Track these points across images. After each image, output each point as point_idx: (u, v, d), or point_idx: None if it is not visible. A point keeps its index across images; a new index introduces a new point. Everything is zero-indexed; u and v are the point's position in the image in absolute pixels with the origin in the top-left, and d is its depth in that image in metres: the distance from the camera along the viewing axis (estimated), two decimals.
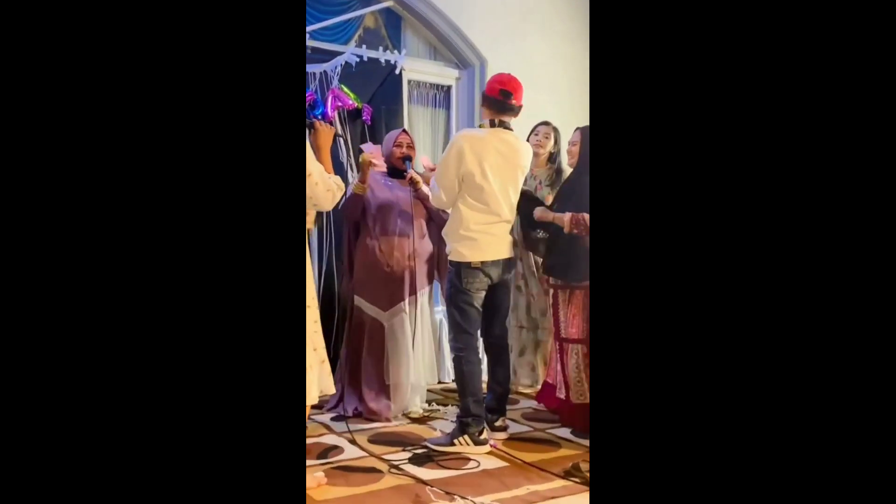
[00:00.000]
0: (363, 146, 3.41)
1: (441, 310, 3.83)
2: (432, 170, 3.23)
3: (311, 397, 2.38)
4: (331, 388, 2.52)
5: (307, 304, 2.38)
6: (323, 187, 2.39)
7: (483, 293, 2.96)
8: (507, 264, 3.02)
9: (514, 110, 2.91)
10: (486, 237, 2.91)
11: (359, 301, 3.42)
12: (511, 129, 2.93)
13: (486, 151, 2.85)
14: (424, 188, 3.32)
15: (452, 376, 3.75)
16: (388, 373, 3.40)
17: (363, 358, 3.42)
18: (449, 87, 4.77)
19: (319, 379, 2.46)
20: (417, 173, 3.38)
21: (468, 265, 2.91)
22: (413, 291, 3.42)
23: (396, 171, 3.41)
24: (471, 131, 2.94)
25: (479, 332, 3.04)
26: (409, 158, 3.39)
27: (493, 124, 2.90)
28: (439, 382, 3.95)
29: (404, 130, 3.51)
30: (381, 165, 3.33)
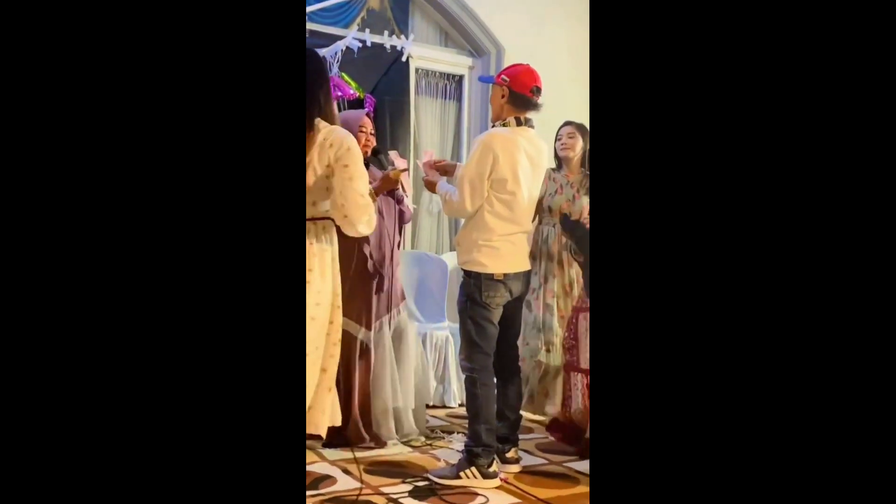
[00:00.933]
0: (391, 154, 3.20)
1: (447, 325, 3.66)
2: (436, 164, 3.05)
3: (320, 426, 2.33)
4: (337, 419, 2.42)
5: (330, 319, 2.36)
6: (365, 206, 2.28)
7: (501, 308, 2.84)
8: (526, 278, 2.93)
9: (539, 107, 2.84)
10: (508, 247, 2.81)
11: None
12: (533, 127, 2.85)
13: (517, 154, 2.76)
14: (402, 190, 3.20)
15: (460, 400, 3.63)
16: (376, 395, 3.21)
17: (347, 381, 3.20)
18: (461, 77, 4.72)
19: (332, 407, 2.40)
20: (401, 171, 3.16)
21: (490, 277, 2.78)
22: (396, 304, 3.27)
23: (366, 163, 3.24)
24: (500, 131, 2.80)
25: (494, 351, 2.91)
26: (377, 152, 3.19)
27: (518, 122, 2.81)
28: (444, 406, 3.78)
29: (367, 114, 3.31)
30: (408, 188, 3.15)
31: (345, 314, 2.99)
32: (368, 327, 3.19)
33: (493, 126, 2.84)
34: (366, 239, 3.11)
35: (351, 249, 3.11)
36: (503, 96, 2.80)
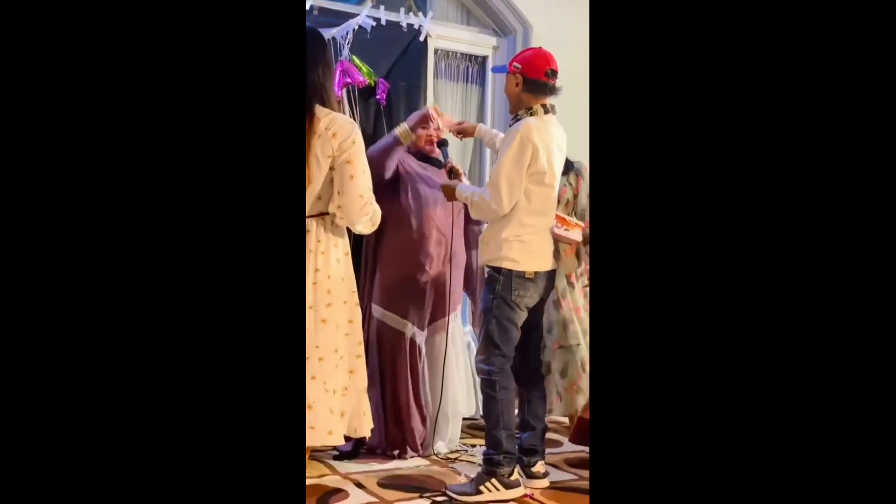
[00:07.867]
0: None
1: (469, 330, 3.73)
2: (457, 126, 3.25)
3: (336, 437, 2.38)
4: (366, 429, 2.54)
5: (349, 318, 2.47)
6: (363, 206, 2.39)
7: (527, 312, 2.93)
8: (552, 277, 3.03)
9: (558, 90, 2.92)
10: (540, 243, 2.91)
11: (382, 313, 3.32)
12: (556, 113, 2.94)
13: (551, 144, 2.85)
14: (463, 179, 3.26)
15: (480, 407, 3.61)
16: (426, 401, 3.34)
17: (388, 384, 3.33)
18: (484, 59, 4.66)
19: (354, 414, 2.47)
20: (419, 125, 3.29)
21: (521, 275, 2.86)
22: (453, 308, 3.41)
23: (427, 157, 3.39)
24: (534, 121, 2.85)
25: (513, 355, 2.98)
26: (444, 143, 3.30)
27: (546, 110, 2.89)
28: (465, 419, 3.81)
29: (435, 108, 3.43)
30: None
31: (395, 311, 3.24)
32: (423, 327, 3.31)
33: (517, 117, 2.90)
34: (416, 232, 3.25)
35: (399, 242, 3.27)
36: (517, 84, 2.87)
